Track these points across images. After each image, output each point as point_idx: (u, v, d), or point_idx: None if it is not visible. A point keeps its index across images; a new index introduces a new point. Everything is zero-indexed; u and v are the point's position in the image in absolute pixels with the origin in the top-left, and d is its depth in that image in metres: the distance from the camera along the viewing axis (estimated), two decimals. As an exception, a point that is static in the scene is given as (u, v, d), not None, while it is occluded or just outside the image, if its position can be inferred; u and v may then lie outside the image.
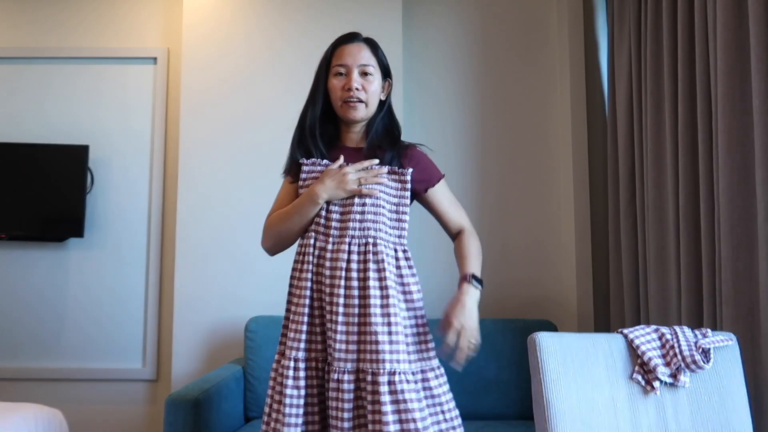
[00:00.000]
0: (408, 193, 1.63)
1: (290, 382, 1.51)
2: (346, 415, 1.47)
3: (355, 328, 1.51)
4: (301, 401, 1.51)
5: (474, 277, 1.60)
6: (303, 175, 1.65)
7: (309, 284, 1.57)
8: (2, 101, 3.07)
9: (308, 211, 1.59)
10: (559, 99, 2.94)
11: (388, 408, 1.43)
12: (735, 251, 1.81)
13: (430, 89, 3.00)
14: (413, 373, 1.51)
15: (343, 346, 1.50)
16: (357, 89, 1.59)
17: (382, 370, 1.46)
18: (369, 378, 1.46)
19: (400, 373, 1.47)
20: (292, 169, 1.68)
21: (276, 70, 2.91)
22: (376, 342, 1.48)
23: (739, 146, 1.83)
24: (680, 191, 2.11)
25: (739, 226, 1.81)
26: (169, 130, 3.05)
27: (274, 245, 1.68)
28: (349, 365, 1.49)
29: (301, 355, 1.53)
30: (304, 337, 1.55)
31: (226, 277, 2.79)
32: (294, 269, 1.62)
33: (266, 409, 1.57)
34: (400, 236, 1.62)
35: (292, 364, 1.52)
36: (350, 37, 1.64)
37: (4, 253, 2.99)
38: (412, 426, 1.43)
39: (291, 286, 1.62)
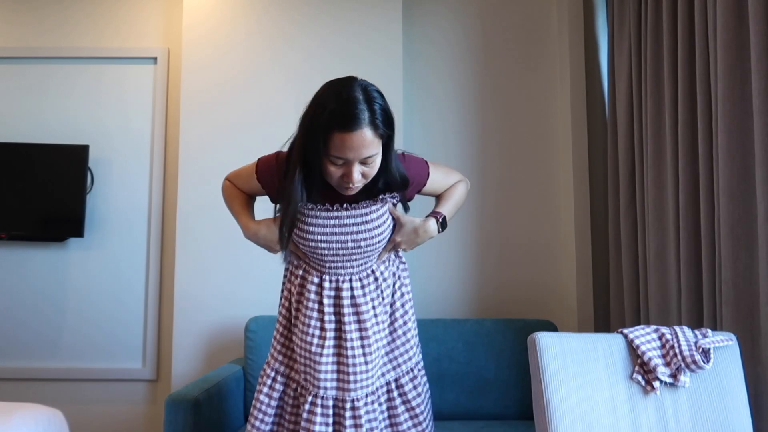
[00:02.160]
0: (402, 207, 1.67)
1: (265, 389, 1.62)
2: None
3: (363, 352, 1.59)
4: (271, 410, 1.62)
5: (443, 219, 1.66)
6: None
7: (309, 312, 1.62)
8: (2, 101, 3.07)
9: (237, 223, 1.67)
10: (559, 99, 2.94)
11: (401, 410, 1.61)
12: (735, 251, 1.81)
13: (430, 89, 3.00)
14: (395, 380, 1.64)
15: (363, 368, 1.56)
16: (358, 180, 1.43)
17: (400, 377, 1.63)
18: (394, 394, 1.62)
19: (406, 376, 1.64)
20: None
21: (276, 69, 2.91)
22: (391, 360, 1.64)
23: (739, 146, 1.82)
24: (680, 191, 2.11)
25: (739, 226, 1.81)
26: (169, 130, 3.05)
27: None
28: (361, 392, 1.56)
29: (282, 369, 1.63)
30: (289, 353, 1.64)
31: (226, 277, 2.79)
32: (286, 289, 1.68)
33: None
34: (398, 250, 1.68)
35: (272, 374, 1.63)
36: (350, 122, 1.34)
37: (4, 253, 2.99)
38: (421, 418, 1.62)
39: (281, 306, 1.68)
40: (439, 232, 1.64)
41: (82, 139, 3.01)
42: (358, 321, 1.56)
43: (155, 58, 3.08)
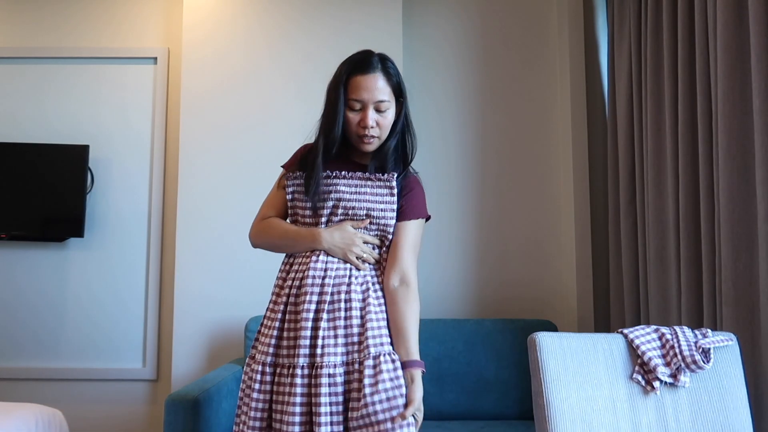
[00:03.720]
0: (395, 198, 1.62)
1: (257, 386, 1.54)
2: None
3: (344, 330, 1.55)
4: (266, 405, 1.54)
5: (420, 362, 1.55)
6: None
7: (286, 297, 1.60)
8: (2, 101, 3.07)
9: (303, 248, 1.61)
10: (559, 99, 2.94)
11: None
12: (735, 251, 1.81)
13: (430, 89, 3.00)
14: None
15: (331, 343, 1.52)
16: (372, 127, 1.58)
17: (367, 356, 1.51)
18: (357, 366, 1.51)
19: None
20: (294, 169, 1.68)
21: (276, 69, 2.91)
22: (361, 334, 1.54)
23: (739, 146, 1.83)
24: (680, 191, 2.11)
25: (739, 226, 1.81)
26: (169, 130, 3.05)
27: (261, 246, 1.73)
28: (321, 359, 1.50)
29: (269, 360, 1.56)
30: (274, 342, 1.57)
31: (226, 277, 2.79)
32: (278, 278, 1.65)
33: (237, 411, 1.60)
34: (383, 237, 1.63)
35: (260, 368, 1.55)
36: (366, 66, 1.58)
37: (4, 253, 2.99)
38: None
39: (273, 294, 1.64)
40: (421, 372, 1.52)
41: (82, 139, 3.01)
42: (321, 285, 1.56)
43: (155, 58, 3.08)
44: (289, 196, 1.66)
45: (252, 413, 1.53)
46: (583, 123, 2.82)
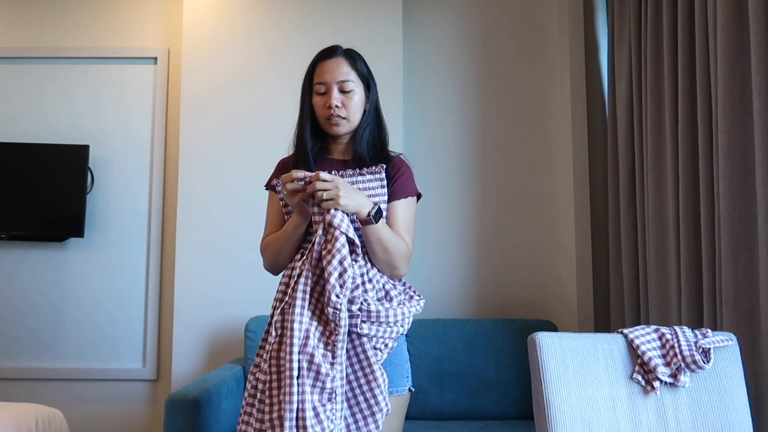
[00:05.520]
0: (386, 190, 1.60)
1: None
2: None
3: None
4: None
5: (378, 208, 1.49)
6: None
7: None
8: (2, 101, 3.07)
9: (293, 227, 1.54)
10: (560, 99, 2.94)
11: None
12: (735, 251, 1.81)
13: (431, 89, 3.00)
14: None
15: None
16: (337, 107, 1.58)
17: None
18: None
19: None
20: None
21: (276, 69, 2.91)
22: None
23: (739, 146, 1.83)
24: (680, 191, 2.11)
25: (739, 226, 1.81)
26: (169, 130, 3.05)
27: (273, 266, 1.63)
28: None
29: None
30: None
31: (226, 277, 2.79)
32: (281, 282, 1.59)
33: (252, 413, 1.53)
34: None
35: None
36: (329, 53, 1.63)
37: (4, 253, 2.99)
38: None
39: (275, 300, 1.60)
40: (369, 213, 1.47)
41: (82, 139, 3.01)
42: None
43: (155, 58, 3.08)
44: (282, 202, 1.63)
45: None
46: (583, 123, 2.82)
